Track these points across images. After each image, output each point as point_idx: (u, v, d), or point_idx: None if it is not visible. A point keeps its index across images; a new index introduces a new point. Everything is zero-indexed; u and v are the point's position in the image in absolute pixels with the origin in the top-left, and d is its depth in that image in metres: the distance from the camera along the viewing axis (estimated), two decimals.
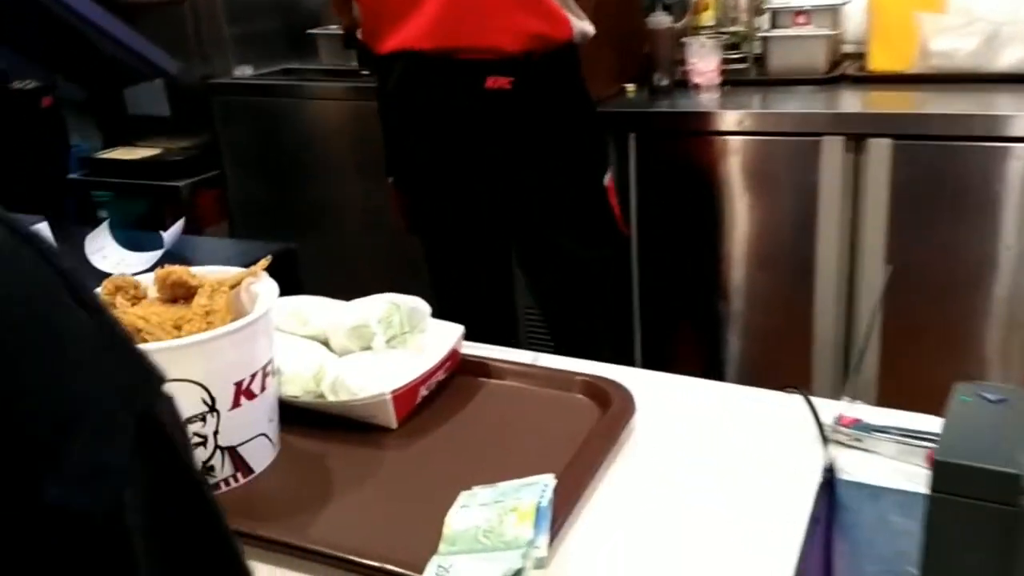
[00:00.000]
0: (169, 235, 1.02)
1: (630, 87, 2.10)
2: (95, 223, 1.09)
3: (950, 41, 1.96)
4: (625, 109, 2.01)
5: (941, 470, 0.46)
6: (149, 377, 0.30)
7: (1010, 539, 0.44)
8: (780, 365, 1.96)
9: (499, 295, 1.75)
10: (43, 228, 0.80)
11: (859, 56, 2.14)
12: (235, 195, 2.56)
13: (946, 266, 1.78)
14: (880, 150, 1.76)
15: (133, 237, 1.03)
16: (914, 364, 1.79)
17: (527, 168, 1.53)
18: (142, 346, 0.66)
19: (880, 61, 2.07)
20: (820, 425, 0.76)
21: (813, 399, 0.81)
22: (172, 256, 1.03)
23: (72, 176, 2.62)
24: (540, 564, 0.58)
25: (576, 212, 1.59)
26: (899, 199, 1.76)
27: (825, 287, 1.87)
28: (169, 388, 0.31)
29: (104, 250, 1.00)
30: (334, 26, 2.44)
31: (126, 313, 0.67)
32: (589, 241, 1.62)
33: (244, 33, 2.51)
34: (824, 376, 1.89)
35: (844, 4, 2.12)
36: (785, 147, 1.87)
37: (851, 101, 1.96)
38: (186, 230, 2.46)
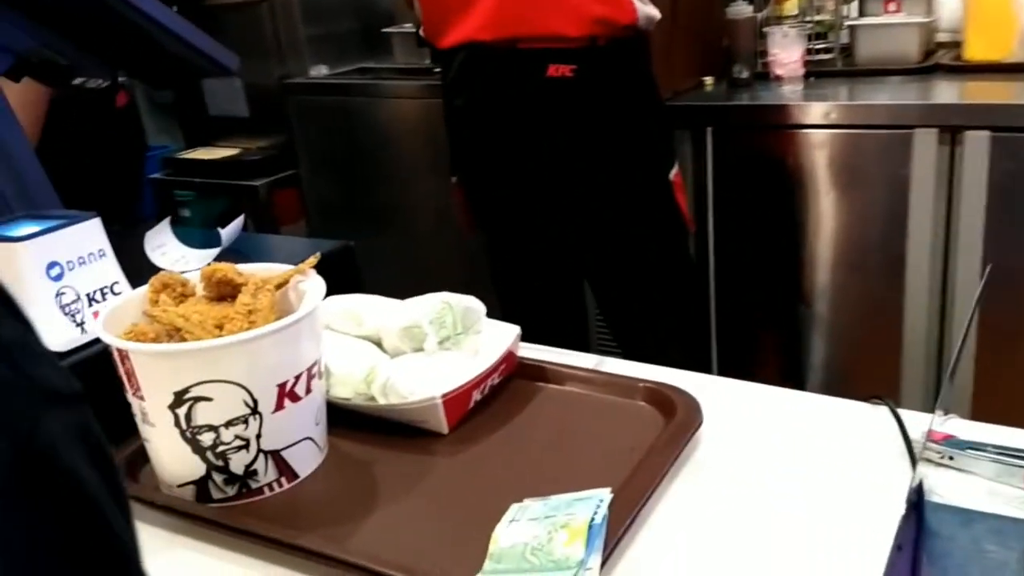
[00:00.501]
0: (227, 232, 1.01)
1: (708, 80, 2.03)
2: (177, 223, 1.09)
3: None
4: (703, 103, 1.93)
5: None
6: (31, 391, 0.27)
7: None
8: (866, 374, 1.86)
9: (565, 296, 1.70)
10: (95, 224, 0.79)
11: (954, 45, 2.02)
12: (311, 194, 2.58)
13: None
14: (977, 143, 1.65)
15: (193, 234, 1.02)
16: (1013, 375, 1.67)
17: (589, 159, 1.49)
18: (183, 345, 0.64)
19: (977, 50, 1.94)
20: (908, 441, 0.69)
21: (901, 411, 0.75)
22: (234, 253, 1.02)
23: (154, 176, 2.69)
24: None
25: (639, 206, 1.54)
26: (997, 195, 1.65)
27: (917, 290, 1.76)
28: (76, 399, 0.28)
29: (164, 247, 1.00)
30: (408, 25, 2.43)
31: (167, 311, 0.65)
32: (653, 237, 1.56)
33: (319, 33, 2.53)
34: (914, 387, 1.79)
35: None
36: (875, 141, 1.77)
37: (946, 92, 1.85)
38: (263, 228, 2.50)
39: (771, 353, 2.00)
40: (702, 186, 1.86)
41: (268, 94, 2.50)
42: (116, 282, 0.81)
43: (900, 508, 0.62)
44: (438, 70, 2.22)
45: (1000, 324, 1.63)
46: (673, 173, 1.56)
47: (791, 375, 1.92)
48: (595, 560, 0.57)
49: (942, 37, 2.10)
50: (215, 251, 1.00)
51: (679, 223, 1.58)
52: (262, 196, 2.53)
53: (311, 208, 2.61)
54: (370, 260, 1.36)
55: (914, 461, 0.67)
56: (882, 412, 0.76)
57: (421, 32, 1.68)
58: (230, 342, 0.63)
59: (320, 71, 2.51)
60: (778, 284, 1.91)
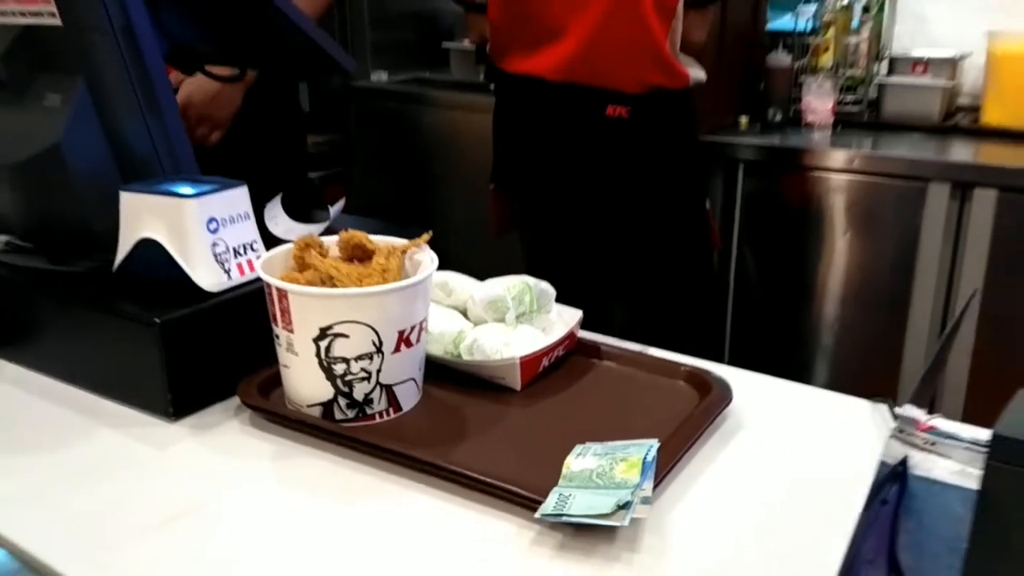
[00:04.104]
0: (333, 211, 1.17)
1: (744, 119, 2.20)
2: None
3: None
4: (737, 140, 2.10)
5: (998, 442, 0.55)
6: None
7: None
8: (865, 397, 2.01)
9: (594, 297, 1.87)
10: (243, 191, 0.96)
11: (973, 109, 2.18)
12: (359, 191, 2.75)
13: None
14: (985, 200, 1.81)
15: (301, 209, 1.19)
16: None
17: (636, 189, 1.67)
18: (336, 290, 0.80)
19: (994, 116, 2.11)
20: (900, 427, 0.85)
21: (897, 410, 0.90)
22: (329, 229, 1.18)
23: None
24: (646, 501, 0.70)
25: (676, 232, 1.72)
26: (1000, 249, 1.81)
27: (918, 329, 1.92)
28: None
29: (276, 218, 1.16)
30: (467, 41, 2.61)
31: (323, 262, 0.81)
32: (686, 256, 1.74)
33: (383, 41, 2.71)
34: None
35: (963, 58, 2.17)
36: (892, 190, 1.94)
37: (961, 151, 2.02)
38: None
39: (776, 370, 2.16)
40: (730, 213, 2.03)
41: (331, 93, 2.68)
42: (255, 240, 0.97)
43: (878, 463, 0.77)
44: (492, 87, 2.41)
45: (994, 370, 1.79)
46: (707, 203, 1.74)
47: None
48: (648, 484, 0.73)
49: (963, 101, 2.27)
50: (321, 226, 1.16)
51: (708, 242, 1.76)
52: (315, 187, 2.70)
53: (356, 203, 2.79)
54: None
55: (903, 443, 0.83)
56: (881, 408, 0.92)
57: (488, 48, 1.85)
58: (371, 292, 0.79)
59: (381, 77, 2.69)
60: (790, 311, 2.07)
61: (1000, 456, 0.55)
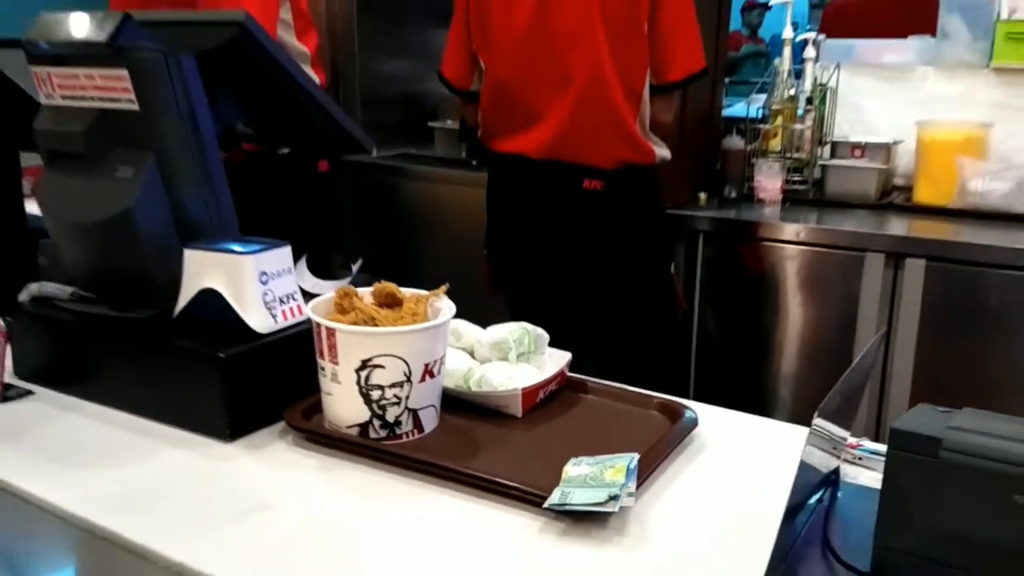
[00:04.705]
0: (354, 270, 1.36)
1: (703, 195, 2.43)
2: None
3: (986, 183, 2.25)
4: (698, 213, 2.33)
5: (896, 435, 0.74)
6: None
7: (935, 479, 0.72)
8: None
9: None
10: (287, 250, 1.14)
11: (906, 189, 2.44)
12: (353, 255, 2.93)
13: (968, 378, 2.04)
14: (916, 269, 2.05)
15: (324, 268, 1.37)
16: None
17: (609, 254, 1.88)
18: (379, 329, 0.97)
19: (924, 195, 2.37)
20: (833, 443, 1.04)
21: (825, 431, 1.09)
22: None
23: None
24: (631, 495, 0.87)
25: (644, 292, 1.93)
26: (929, 313, 2.04)
27: None
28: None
29: (303, 275, 1.34)
30: (450, 121, 2.84)
31: (366, 307, 0.99)
32: (653, 315, 1.95)
33: (374, 120, 2.93)
34: None
35: (896, 143, 2.44)
36: (834, 259, 2.17)
37: (895, 226, 2.26)
38: None
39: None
40: (692, 278, 2.24)
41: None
42: (296, 291, 1.15)
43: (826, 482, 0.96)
44: (474, 163, 2.63)
45: None
46: (672, 267, 1.96)
47: None
48: (632, 483, 0.90)
49: (897, 181, 2.53)
50: (341, 283, 1.34)
51: (673, 303, 1.97)
52: None
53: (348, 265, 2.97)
54: None
55: (836, 457, 1.02)
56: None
57: (479, 132, 2.07)
58: (407, 330, 0.97)
59: (371, 152, 2.91)
60: (747, 366, 2.27)
61: (897, 444, 0.75)
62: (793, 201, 2.42)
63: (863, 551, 0.84)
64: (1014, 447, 0.70)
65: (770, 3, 3.59)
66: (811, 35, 2.59)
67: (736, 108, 2.80)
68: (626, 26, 1.81)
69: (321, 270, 1.41)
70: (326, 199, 2.27)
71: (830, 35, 2.70)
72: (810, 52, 2.55)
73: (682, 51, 1.88)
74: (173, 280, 1.13)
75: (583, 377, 1.21)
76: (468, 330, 1.20)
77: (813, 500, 0.95)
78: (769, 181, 2.39)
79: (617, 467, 0.93)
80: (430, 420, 1.05)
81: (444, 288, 1.09)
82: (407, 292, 1.07)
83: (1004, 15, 2.29)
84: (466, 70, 2.01)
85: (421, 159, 2.90)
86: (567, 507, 0.86)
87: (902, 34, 2.59)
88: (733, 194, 2.42)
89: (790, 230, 2.20)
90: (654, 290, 1.94)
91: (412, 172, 2.81)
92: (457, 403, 1.12)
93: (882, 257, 2.08)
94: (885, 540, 0.77)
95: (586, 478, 0.92)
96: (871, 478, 1.00)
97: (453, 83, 2.06)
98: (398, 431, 1.02)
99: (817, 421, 0.84)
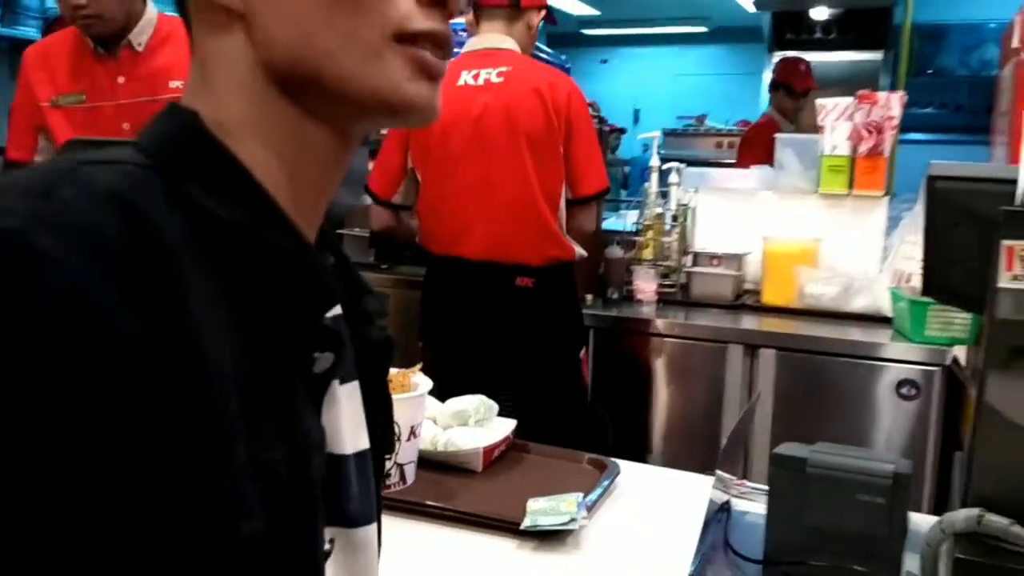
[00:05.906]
0: None
1: (589, 297, 2.79)
2: None
3: (819, 287, 2.71)
4: (587, 311, 2.68)
5: (776, 458, 1.06)
6: None
7: (803, 487, 1.04)
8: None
9: None
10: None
11: (756, 292, 2.88)
12: None
13: (811, 441, 2.42)
14: (768, 357, 2.45)
15: None
16: None
17: (534, 342, 2.18)
18: None
19: (770, 297, 2.81)
20: (724, 483, 1.35)
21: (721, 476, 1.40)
22: None
23: None
24: (585, 518, 1.14)
25: (560, 372, 2.23)
26: (780, 392, 2.43)
27: None
28: None
29: None
30: (358, 229, 3.11)
31: None
32: (566, 390, 2.25)
33: None
34: None
35: (746, 254, 2.89)
36: (701, 350, 2.55)
37: (749, 322, 2.68)
38: None
39: None
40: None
41: None
42: None
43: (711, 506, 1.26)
44: (384, 266, 2.90)
45: None
46: (582, 352, 2.28)
47: None
48: (584, 513, 1.17)
49: (748, 285, 2.98)
50: None
51: (580, 382, 2.28)
52: None
53: None
54: None
55: (726, 492, 1.33)
56: (708, 479, 1.42)
57: (417, 239, 2.35)
58: (401, 398, 1.22)
59: None
60: (634, 442, 2.60)
61: (777, 464, 1.06)
62: (665, 301, 2.80)
63: (755, 552, 1.14)
64: (855, 462, 1.03)
65: (638, 138, 4.13)
66: (675, 164, 3.05)
67: (613, 222, 3.21)
68: (546, 149, 2.17)
69: None
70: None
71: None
72: (674, 178, 3.00)
73: (592, 170, 2.26)
74: None
75: (523, 441, 1.49)
76: (429, 403, 1.45)
77: (714, 522, 1.24)
78: (646, 284, 2.77)
79: (569, 501, 1.21)
80: (412, 473, 1.29)
81: (418, 367, 1.35)
82: (392, 371, 1.32)
83: (827, 151, 2.80)
84: (392, 185, 2.31)
85: None
86: (538, 527, 1.12)
87: (746, 165, 3.10)
88: (615, 295, 2.79)
89: (663, 326, 2.57)
90: (569, 372, 2.25)
91: None
92: (425, 462, 1.36)
93: (741, 348, 2.47)
94: (772, 533, 1.07)
95: (547, 510, 1.19)
96: (753, 508, 1.31)
97: (378, 194, 2.36)
98: (388, 482, 1.25)
99: (717, 470, 1.15)
